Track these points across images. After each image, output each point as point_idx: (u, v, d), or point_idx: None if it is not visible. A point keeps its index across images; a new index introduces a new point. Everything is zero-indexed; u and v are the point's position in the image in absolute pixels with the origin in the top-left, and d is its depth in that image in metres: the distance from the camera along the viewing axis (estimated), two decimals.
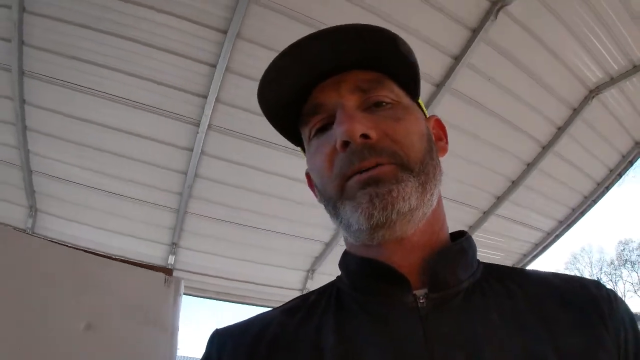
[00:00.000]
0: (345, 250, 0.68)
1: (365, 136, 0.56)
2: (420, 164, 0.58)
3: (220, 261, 4.72)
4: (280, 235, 4.68)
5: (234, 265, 4.82)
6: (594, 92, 4.01)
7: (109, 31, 3.02)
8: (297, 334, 0.60)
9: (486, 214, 4.80)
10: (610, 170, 4.94)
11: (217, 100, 3.48)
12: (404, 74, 0.65)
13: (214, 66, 3.30)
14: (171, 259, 4.39)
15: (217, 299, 4.90)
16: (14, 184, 4.10)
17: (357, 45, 0.60)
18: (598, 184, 5.01)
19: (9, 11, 2.98)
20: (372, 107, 0.61)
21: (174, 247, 4.37)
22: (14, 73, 3.26)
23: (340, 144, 0.57)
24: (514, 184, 4.56)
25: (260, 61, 3.28)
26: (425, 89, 3.43)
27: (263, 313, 0.68)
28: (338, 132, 0.57)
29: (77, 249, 1.79)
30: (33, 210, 4.20)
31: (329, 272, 5.23)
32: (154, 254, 4.43)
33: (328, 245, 4.98)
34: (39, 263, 1.56)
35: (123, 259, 2.06)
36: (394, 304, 0.58)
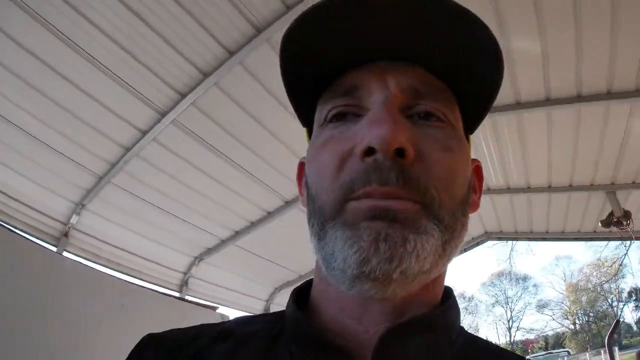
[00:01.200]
0: (297, 288, 0.57)
1: (400, 152, 0.44)
2: (452, 216, 0.46)
3: (122, 233, 4.83)
4: (183, 222, 5.05)
5: (133, 239, 4.99)
6: None
7: None
8: None
9: None
10: None
11: (193, 104, 3.67)
12: (477, 97, 0.53)
13: (205, 75, 3.51)
14: (74, 219, 4.32)
15: (106, 266, 4.93)
16: None
17: (447, 34, 0.47)
18: None
19: None
20: (418, 117, 0.49)
21: (79, 207, 4.32)
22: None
23: (364, 149, 0.44)
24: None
25: (245, 90, 3.66)
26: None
27: (203, 328, 0.58)
28: (370, 134, 0.44)
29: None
30: None
31: (215, 263, 5.91)
32: (54, 207, 4.30)
33: (223, 242, 5.55)
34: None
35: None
36: None
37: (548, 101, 3.85)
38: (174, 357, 0.52)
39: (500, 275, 39.43)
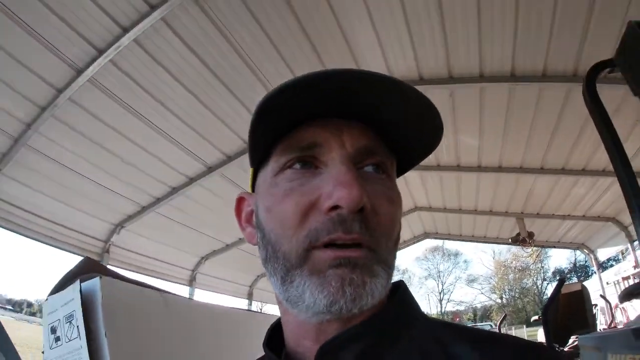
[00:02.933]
0: (273, 325, 0.65)
1: (361, 208, 0.51)
2: (392, 259, 0.55)
3: (36, 197, 4.70)
4: (102, 188, 4.98)
5: (48, 204, 4.87)
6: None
7: None
8: None
9: None
10: None
11: (112, 61, 3.62)
12: (411, 157, 0.61)
13: (125, 30, 3.43)
14: None
15: (19, 233, 4.77)
16: None
17: (397, 100, 0.53)
18: None
19: None
20: (369, 170, 0.56)
21: None
22: None
23: (330, 205, 0.50)
24: None
25: (168, 49, 3.65)
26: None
27: None
28: (338, 194, 0.49)
29: None
30: None
31: (137, 231, 5.90)
32: None
33: (144, 209, 5.54)
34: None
35: None
36: None
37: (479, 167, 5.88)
38: None
39: (433, 250, 41.46)
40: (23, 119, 4.10)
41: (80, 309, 1.16)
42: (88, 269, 1.29)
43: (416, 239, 9.42)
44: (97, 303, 1.12)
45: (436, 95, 4.43)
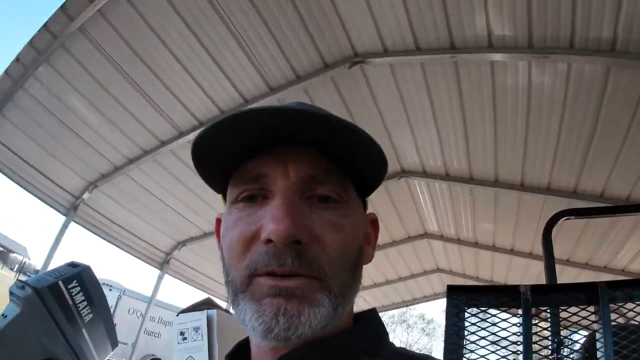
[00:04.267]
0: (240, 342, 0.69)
1: (296, 241, 0.52)
2: (342, 286, 0.56)
3: (27, 144, 5.24)
4: (81, 140, 5.28)
5: (35, 150, 5.33)
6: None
7: None
8: None
9: None
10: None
11: (100, 11, 3.89)
12: (367, 177, 0.63)
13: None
14: None
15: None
16: None
17: (325, 128, 0.54)
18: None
19: None
20: (316, 200, 0.57)
21: None
22: None
23: (265, 238, 0.53)
24: None
25: (155, 6, 3.86)
26: None
27: None
28: (270, 229, 0.52)
29: None
30: None
31: (110, 194, 6.13)
32: None
33: (117, 169, 5.67)
34: None
35: None
36: None
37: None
38: None
39: None
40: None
41: (205, 324, 2.25)
42: (209, 303, 2.35)
43: (436, 295, 10.11)
44: (214, 323, 2.18)
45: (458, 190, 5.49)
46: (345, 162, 0.59)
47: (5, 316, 2.22)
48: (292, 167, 0.57)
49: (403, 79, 4.35)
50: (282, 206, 0.54)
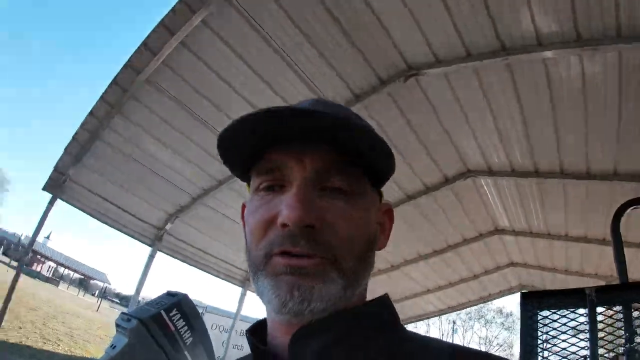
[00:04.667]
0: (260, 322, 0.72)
1: (310, 225, 0.58)
2: (353, 267, 0.60)
3: (109, 187, 5.78)
4: (159, 178, 5.75)
5: (116, 191, 5.86)
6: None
7: None
8: None
9: None
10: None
11: (164, 62, 4.29)
12: (377, 164, 0.66)
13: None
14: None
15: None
16: None
17: (331, 126, 0.59)
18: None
19: None
20: (329, 191, 0.62)
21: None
22: None
23: (280, 223, 0.58)
24: None
25: (214, 52, 4.24)
26: None
27: None
28: (284, 214, 0.58)
29: None
30: None
31: (190, 223, 6.61)
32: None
33: (194, 199, 6.14)
34: None
35: None
36: None
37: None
38: None
39: None
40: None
41: None
42: None
43: (512, 289, 9.92)
44: None
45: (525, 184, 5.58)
46: (356, 155, 0.62)
47: (115, 347, 2.53)
48: (308, 160, 0.62)
49: (458, 85, 4.47)
50: (297, 194, 0.59)
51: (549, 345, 1.72)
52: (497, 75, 4.13)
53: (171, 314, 2.78)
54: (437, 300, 9.80)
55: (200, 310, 13.66)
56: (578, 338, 1.70)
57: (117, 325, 2.70)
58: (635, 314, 1.67)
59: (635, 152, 4.44)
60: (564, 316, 1.76)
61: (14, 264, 33.21)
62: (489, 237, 7.50)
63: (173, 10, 3.74)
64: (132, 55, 4.16)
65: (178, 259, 6.96)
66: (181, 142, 5.16)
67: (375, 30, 3.97)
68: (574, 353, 1.66)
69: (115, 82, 4.41)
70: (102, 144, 5.07)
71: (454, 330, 41.34)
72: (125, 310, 2.83)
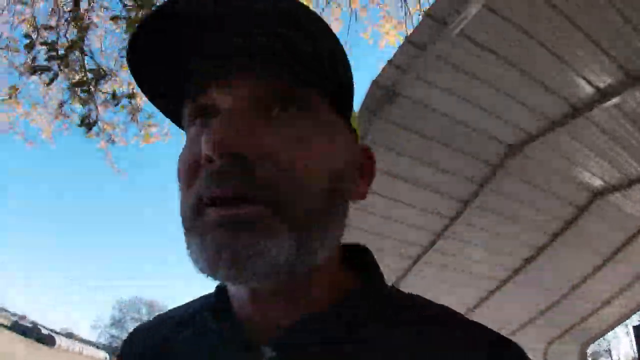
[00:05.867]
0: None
1: (239, 155, 0.43)
2: (308, 216, 0.45)
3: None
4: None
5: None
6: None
7: None
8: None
9: None
10: None
11: None
12: (339, 77, 0.52)
13: None
14: None
15: None
16: None
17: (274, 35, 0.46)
18: None
19: None
20: (275, 110, 0.47)
21: None
22: None
23: (204, 157, 0.44)
24: None
25: None
26: None
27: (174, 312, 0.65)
28: (204, 141, 0.43)
29: None
30: None
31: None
32: None
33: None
34: None
35: None
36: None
37: None
38: (146, 346, 0.60)
39: None
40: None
41: None
42: None
43: None
44: None
45: None
46: (309, 68, 0.47)
47: None
48: (241, 91, 0.47)
49: None
50: (222, 118, 0.45)
51: None
52: None
53: None
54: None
55: None
56: None
57: None
58: None
59: None
60: None
61: None
62: None
63: None
64: None
65: None
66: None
67: None
68: None
69: None
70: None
71: None
72: None
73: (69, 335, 64.78)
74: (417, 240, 4.69)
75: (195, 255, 0.45)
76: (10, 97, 6.28)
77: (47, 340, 37.68)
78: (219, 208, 0.43)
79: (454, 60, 3.18)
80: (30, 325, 42.41)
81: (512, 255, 5.06)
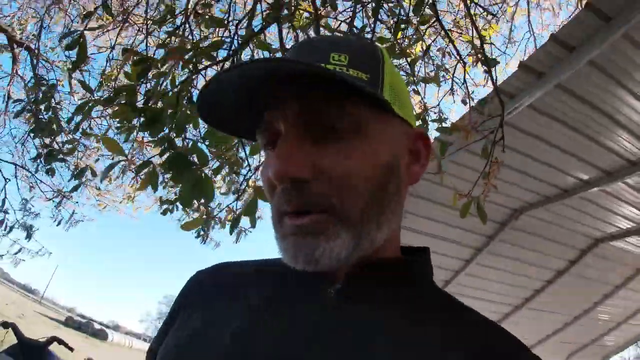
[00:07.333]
0: None
1: (295, 178, 0.54)
2: (360, 213, 0.55)
3: None
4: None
5: None
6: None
7: None
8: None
9: None
10: None
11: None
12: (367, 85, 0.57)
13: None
14: None
15: None
16: None
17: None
18: None
19: None
20: (323, 133, 0.56)
21: None
22: None
23: (274, 182, 0.56)
24: None
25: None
26: None
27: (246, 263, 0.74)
28: (269, 172, 0.55)
29: None
30: None
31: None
32: None
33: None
34: None
35: None
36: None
37: None
38: (215, 291, 0.68)
39: None
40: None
41: None
42: None
43: None
44: None
45: None
46: (342, 85, 0.53)
47: None
48: (287, 107, 0.57)
49: None
50: (278, 148, 0.55)
51: None
52: None
53: None
54: None
55: None
56: None
57: None
58: None
59: None
60: None
61: None
62: None
63: None
64: None
65: None
66: None
67: None
68: None
69: None
70: None
71: None
72: None
73: (116, 329, 66.57)
74: (449, 266, 5.62)
75: (282, 252, 0.57)
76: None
77: (100, 334, 38.01)
78: (291, 218, 0.55)
79: None
80: (84, 320, 42.47)
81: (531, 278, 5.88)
